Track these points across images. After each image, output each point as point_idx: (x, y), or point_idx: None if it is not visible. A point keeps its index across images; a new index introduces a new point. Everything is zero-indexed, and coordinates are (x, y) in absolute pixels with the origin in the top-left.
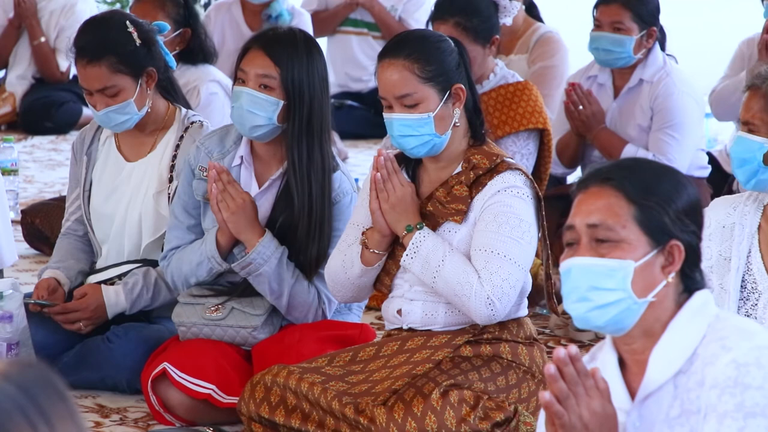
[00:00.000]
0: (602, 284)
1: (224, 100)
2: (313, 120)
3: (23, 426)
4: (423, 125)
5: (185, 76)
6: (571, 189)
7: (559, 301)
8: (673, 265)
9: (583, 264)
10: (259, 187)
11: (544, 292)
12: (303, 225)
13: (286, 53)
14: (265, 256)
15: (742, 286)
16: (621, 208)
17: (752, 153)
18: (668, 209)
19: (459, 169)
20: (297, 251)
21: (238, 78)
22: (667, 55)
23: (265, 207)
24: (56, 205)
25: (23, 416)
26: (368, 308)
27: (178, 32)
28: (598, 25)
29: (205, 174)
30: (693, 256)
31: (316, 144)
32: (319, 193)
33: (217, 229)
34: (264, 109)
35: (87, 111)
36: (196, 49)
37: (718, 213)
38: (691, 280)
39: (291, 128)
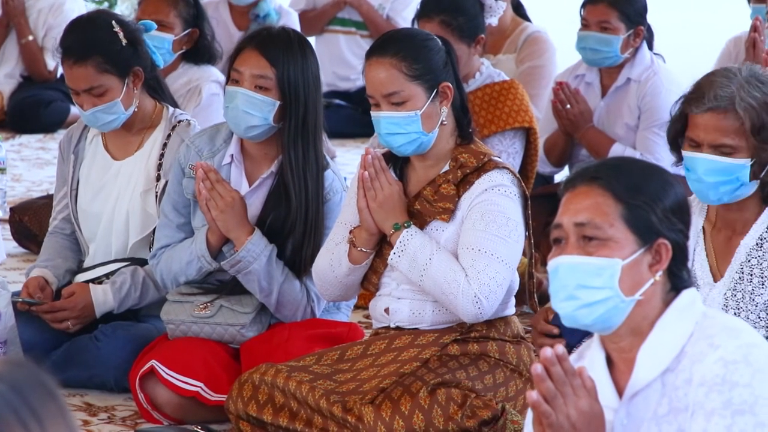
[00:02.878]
0: (590, 282)
1: None
2: (308, 120)
3: (14, 425)
4: (410, 123)
5: (187, 74)
6: (559, 188)
7: (545, 300)
8: (661, 263)
9: (571, 262)
10: (250, 186)
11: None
12: (300, 224)
13: (281, 53)
14: (254, 253)
15: None
16: (608, 206)
17: (733, 174)
18: (656, 208)
19: (446, 167)
20: (291, 250)
21: (231, 78)
22: (655, 54)
23: (255, 205)
24: (45, 204)
25: (14, 415)
26: (356, 307)
27: (186, 32)
28: (585, 25)
29: (194, 173)
30: (680, 255)
31: (311, 143)
32: (314, 192)
33: (207, 228)
34: (260, 110)
35: (75, 110)
36: (202, 50)
37: None
38: (678, 279)
39: (287, 128)
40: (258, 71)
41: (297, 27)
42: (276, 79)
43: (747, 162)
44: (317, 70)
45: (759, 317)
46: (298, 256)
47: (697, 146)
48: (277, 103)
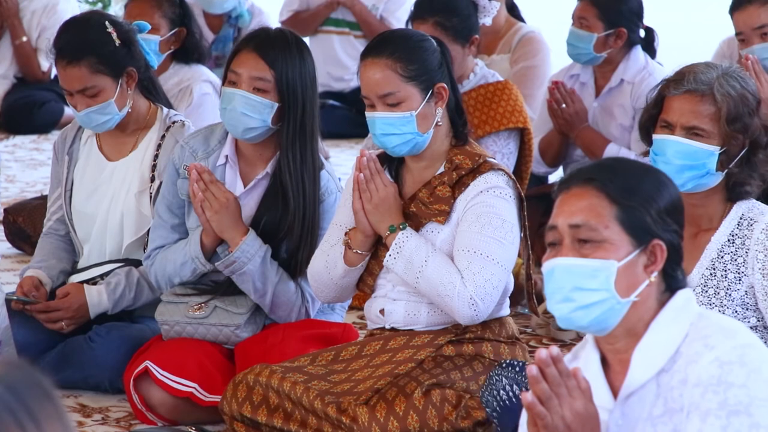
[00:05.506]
0: (586, 284)
1: (216, 101)
2: (306, 121)
3: (11, 425)
4: (405, 124)
5: (178, 75)
6: (553, 189)
7: (540, 300)
8: (656, 264)
9: (567, 264)
10: (244, 187)
11: (524, 292)
12: (297, 226)
13: (279, 55)
14: (249, 254)
15: None
16: (603, 208)
17: (700, 160)
18: (650, 209)
19: (442, 169)
20: (288, 251)
21: (228, 79)
22: (658, 63)
23: (250, 206)
24: (39, 205)
25: (11, 416)
26: (351, 308)
27: (173, 32)
28: (572, 20)
29: (188, 174)
30: (675, 256)
31: (308, 144)
32: (312, 194)
33: (202, 229)
34: (258, 112)
35: (68, 110)
36: (191, 49)
37: None
38: (673, 279)
39: (285, 130)
40: (256, 73)
41: (269, 24)
42: (275, 81)
43: (716, 150)
44: (314, 71)
45: (735, 312)
46: (294, 258)
47: (670, 128)
48: (276, 105)
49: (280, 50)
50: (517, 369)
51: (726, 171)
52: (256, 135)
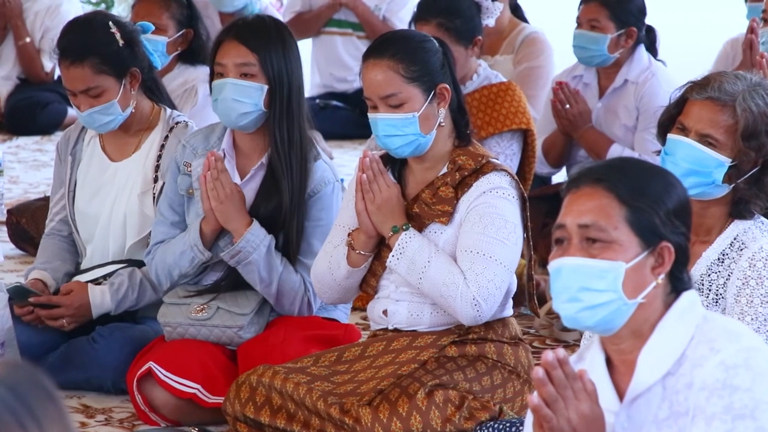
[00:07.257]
0: (593, 285)
1: None
2: (292, 102)
3: (13, 426)
4: (408, 125)
5: (183, 75)
6: (561, 188)
7: (541, 302)
8: (663, 266)
9: (574, 264)
10: (241, 179)
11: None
12: (291, 206)
13: (261, 39)
14: (254, 244)
15: None
16: (613, 209)
17: (708, 168)
18: (659, 210)
19: (445, 170)
20: (284, 237)
21: (216, 73)
22: (659, 60)
23: (248, 197)
24: (42, 206)
25: (13, 417)
26: (354, 308)
27: (181, 33)
28: (579, 23)
29: (189, 170)
30: (682, 258)
31: (296, 125)
32: (298, 175)
33: (202, 218)
34: (249, 96)
35: (72, 111)
36: (197, 50)
37: None
38: (679, 281)
39: (273, 112)
40: (240, 59)
41: None
42: (260, 64)
43: (727, 161)
44: (298, 53)
45: None
46: (289, 241)
47: (685, 132)
48: (265, 87)
49: (261, 35)
50: None
51: (733, 185)
52: (250, 121)
